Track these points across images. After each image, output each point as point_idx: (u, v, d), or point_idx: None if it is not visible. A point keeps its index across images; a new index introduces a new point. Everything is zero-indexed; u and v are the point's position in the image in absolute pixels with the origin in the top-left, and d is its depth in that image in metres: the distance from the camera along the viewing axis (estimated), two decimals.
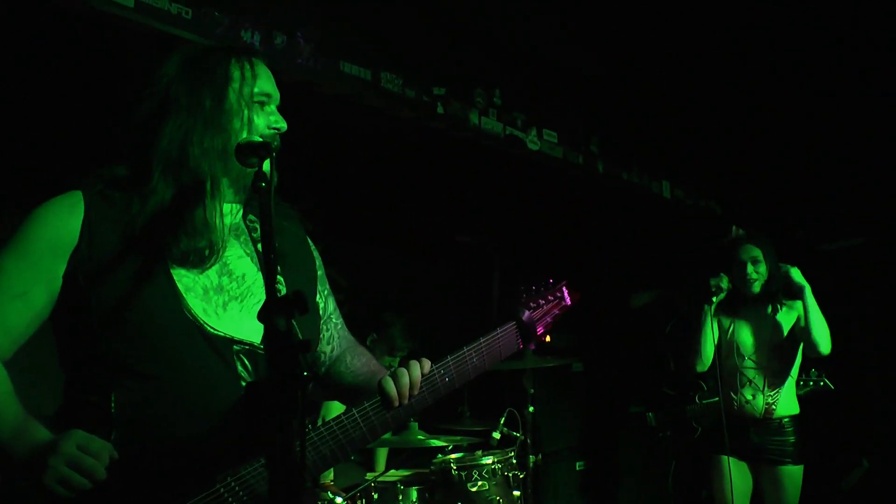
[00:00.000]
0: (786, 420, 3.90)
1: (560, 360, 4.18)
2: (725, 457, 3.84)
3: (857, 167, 5.81)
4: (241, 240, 1.83)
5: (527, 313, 2.02)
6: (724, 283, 3.99)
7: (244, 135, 1.76)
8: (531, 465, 3.90)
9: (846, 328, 4.92)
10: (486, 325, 2.05)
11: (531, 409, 3.94)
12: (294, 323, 1.36)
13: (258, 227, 1.84)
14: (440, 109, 4.36)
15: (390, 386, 1.78)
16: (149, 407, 1.62)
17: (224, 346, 1.68)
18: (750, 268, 3.95)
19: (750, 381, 3.90)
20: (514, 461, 3.65)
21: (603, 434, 5.51)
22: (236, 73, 1.78)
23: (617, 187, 5.36)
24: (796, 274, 3.87)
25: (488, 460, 3.55)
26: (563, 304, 2.12)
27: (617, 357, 5.68)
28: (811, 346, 3.84)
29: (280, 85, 1.89)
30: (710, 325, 3.95)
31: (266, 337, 1.35)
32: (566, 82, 5.00)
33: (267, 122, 1.80)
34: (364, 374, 1.99)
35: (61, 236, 1.65)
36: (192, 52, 1.84)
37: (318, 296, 1.96)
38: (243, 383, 1.67)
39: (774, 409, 3.88)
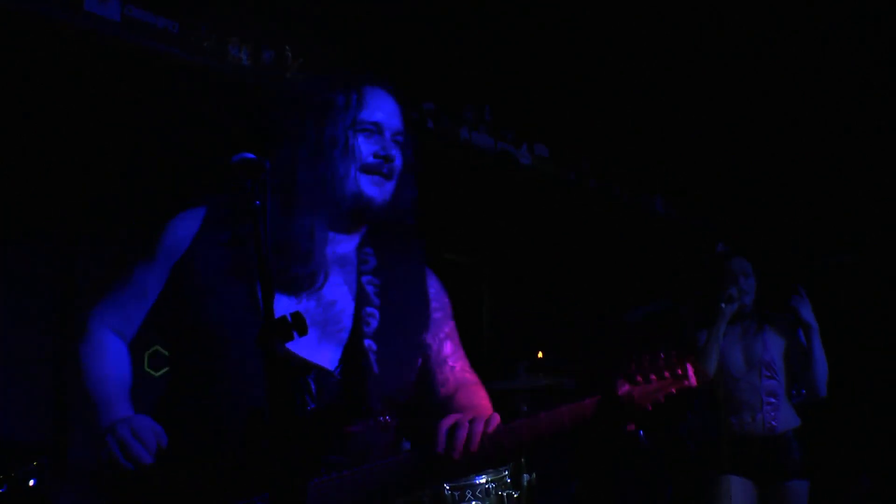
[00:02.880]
0: (789, 434, 3.91)
1: (553, 377, 4.22)
2: (729, 476, 3.83)
3: (854, 181, 5.88)
4: (346, 269, 1.89)
5: (626, 387, 1.81)
6: (737, 293, 3.99)
7: (346, 163, 1.83)
8: (525, 484, 3.91)
9: (845, 339, 5.00)
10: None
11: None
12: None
13: (370, 260, 1.90)
14: (430, 124, 4.45)
15: (443, 430, 1.71)
16: (208, 413, 1.73)
17: (294, 368, 1.73)
18: (742, 281, 4.00)
19: (746, 404, 3.90)
20: (508, 480, 3.65)
21: (598, 453, 5.53)
22: (340, 101, 1.86)
23: (609, 203, 5.42)
24: (806, 310, 3.83)
25: (481, 480, 3.55)
26: (685, 385, 1.83)
27: (610, 375, 5.69)
28: (812, 387, 3.85)
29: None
30: (720, 335, 3.93)
31: (264, 361, 1.38)
32: (558, 96, 5.05)
33: (372, 150, 1.85)
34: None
35: (176, 244, 1.84)
36: (302, 85, 1.97)
37: (430, 336, 1.97)
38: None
39: (776, 426, 3.91)
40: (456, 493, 3.48)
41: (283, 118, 1.88)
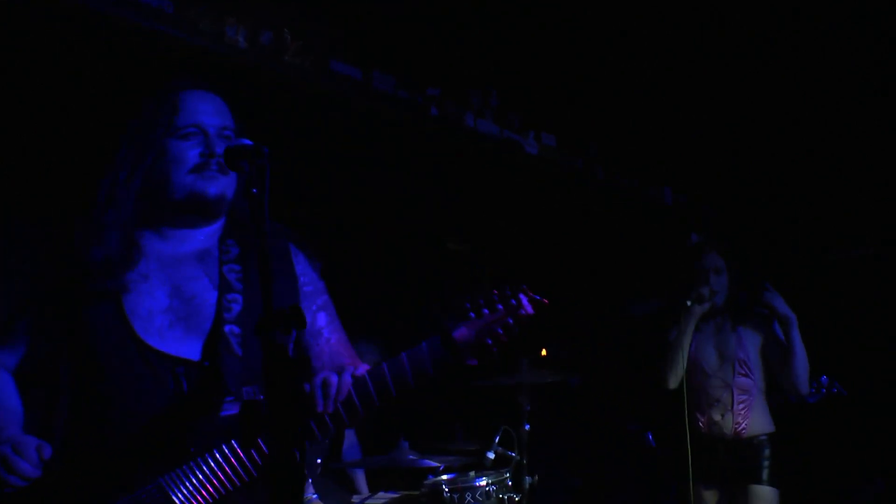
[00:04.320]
0: (759, 439, 3.77)
1: (558, 374, 4.15)
2: (697, 485, 3.70)
3: (864, 174, 5.80)
4: (205, 262, 2.01)
5: (461, 325, 1.86)
6: (707, 293, 3.84)
7: (174, 168, 1.96)
8: (527, 486, 3.86)
9: (859, 336, 4.92)
10: None
11: (527, 426, 3.90)
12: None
13: (232, 250, 2.02)
14: (434, 111, 4.38)
15: (316, 387, 1.81)
16: (90, 417, 1.88)
17: (163, 364, 1.87)
18: (712, 279, 3.88)
19: (717, 401, 3.80)
20: (510, 482, 3.61)
21: (602, 454, 5.49)
22: (153, 112, 2.00)
23: (617, 193, 5.37)
24: (780, 303, 3.73)
25: (482, 482, 3.51)
26: (520, 312, 1.86)
27: (616, 371, 5.66)
28: (791, 383, 3.72)
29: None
30: (689, 335, 3.83)
31: (264, 353, 1.43)
32: (565, 82, 4.98)
33: (197, 151, 1.96)
34: None
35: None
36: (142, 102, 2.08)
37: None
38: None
39: (746, 429, 3.79)
40: (455, 496, 3.44)
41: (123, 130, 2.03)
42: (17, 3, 3.39)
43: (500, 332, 1.86)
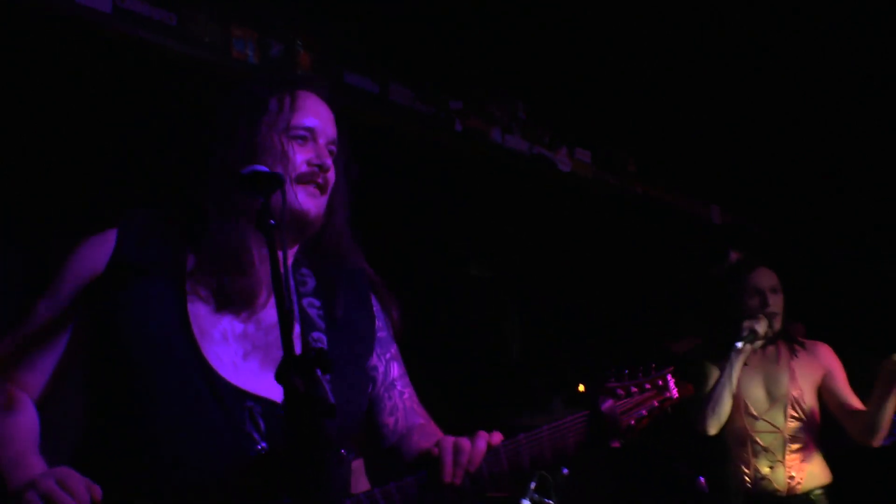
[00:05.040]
0: (816, 493, 3.34)
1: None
2: None
3: None
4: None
5: (609, 402, 1.78)
6: (763, 328, 3.38)
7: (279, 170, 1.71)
8: None
9: None
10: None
11: (565, 471, 3.62)
12: (323, 385, 1.37)
13: (308, 281, 1.86)
14: (457, 126, 4.23)
15: (447, 453, 1.68)
16: (143, 453, 1.61)
17: (236, 400, 1.63)
18: (770, 298, 3.40)
19: (765, 450, 3.37)
20: None
21: (647, 501, 5.19)
22: (273, 105, 1.80)
23: (658, 212, 5.13)
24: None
25: None
26: (666, 396, 1.84)
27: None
28: (868, 433, 3.26)
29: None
30: (735, 376, 3.32)
31: (285, 399, 1.38)
32: (601, 91, 4.75)
33: (306, 158, 1.77)
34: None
35: (88, 274, 1.72)
36: (240, 86, 1.90)
37: (376, 358, 1.91)
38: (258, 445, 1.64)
39: (801, 483, 3.33)
40: None
41: (217, 119, 1.83)
42: (14, 30, 3.31)
43: (644, 413, 1.82)
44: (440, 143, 4.20)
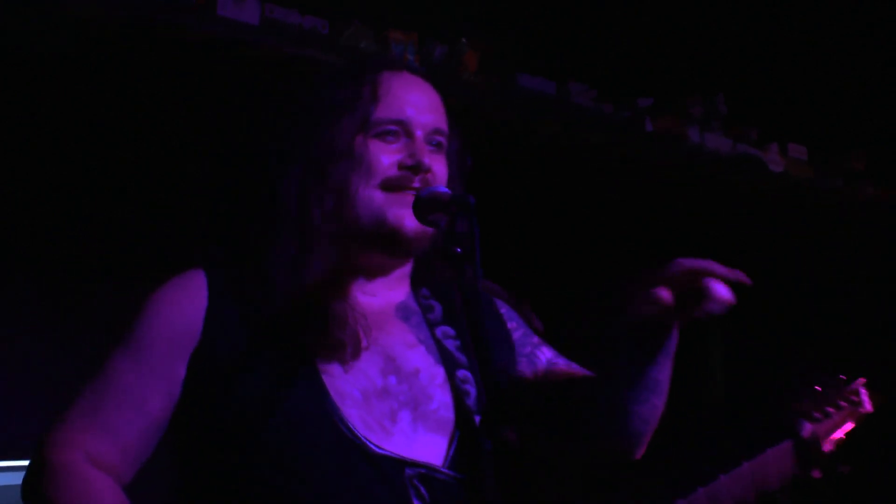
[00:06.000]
0: None
1: None
2: None
3: None
4: (412, 322, 1.65)
5: (808, 427, 1.72)
6: None
7: (360, 178, 1.57)
8: None
9: None
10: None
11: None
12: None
13: (434, 305, 1.70)
14: (648, 126, 3.92)
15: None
16: None
17: (394, 470, 1.47)
18: None
19: None
20: None
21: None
22: (347, 97, 1.62)
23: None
24: None
25: None
26: (861, 411, 1.79)
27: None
28: None
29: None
30: None
31: (492, 457, 1.36)
32: (815, 79, 4.30)
33: (395, 160, 1.57)
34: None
35: (181, 330, 1.54)
36: (313, 85, 1.72)
37: (522, 364, 1.75)
38: None
39: None
40: None
41: (293, 129, 1.64)
42: (158, 49, 3.22)
43: (843, 437, 1.78)
44: (631, 146, 3.94)
